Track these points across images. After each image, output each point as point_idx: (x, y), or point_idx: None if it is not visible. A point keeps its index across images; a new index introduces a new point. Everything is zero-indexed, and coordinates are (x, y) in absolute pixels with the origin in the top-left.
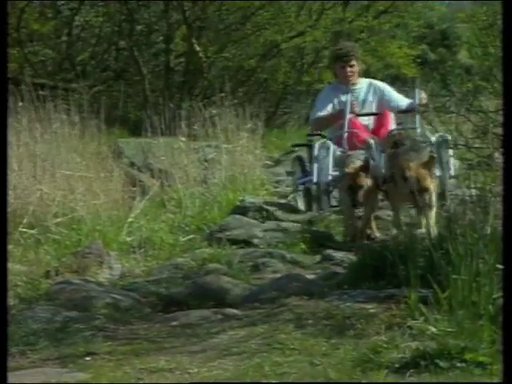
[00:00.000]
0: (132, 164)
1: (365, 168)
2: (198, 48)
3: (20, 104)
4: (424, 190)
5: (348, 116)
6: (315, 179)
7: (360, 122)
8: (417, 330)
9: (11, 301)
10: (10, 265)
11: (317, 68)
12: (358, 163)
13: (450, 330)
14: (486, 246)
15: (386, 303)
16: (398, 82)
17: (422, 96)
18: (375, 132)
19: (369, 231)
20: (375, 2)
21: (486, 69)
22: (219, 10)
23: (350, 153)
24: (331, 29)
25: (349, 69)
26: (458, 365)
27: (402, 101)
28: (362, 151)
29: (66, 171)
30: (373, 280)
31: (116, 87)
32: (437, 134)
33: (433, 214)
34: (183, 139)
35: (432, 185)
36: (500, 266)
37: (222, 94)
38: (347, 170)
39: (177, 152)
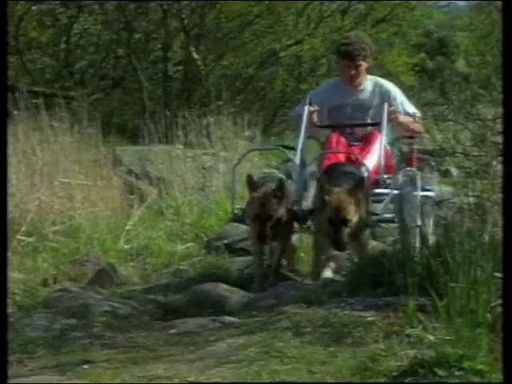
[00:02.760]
0: (130, 172)
1: (278, 192)
2: (196, 56)
3: (18, 112)
4: (344, 221)
5: (303, 130)
6: None
7: (342, 137)
8: (415, 338)
9: (9, 309)
10: (8, 273)
11: (315, 76)
12: (270, 186)
13: (448, 338)
14: (484, 253)
15: (384, 311)
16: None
17: (390, 109)
18: (362, 149)
19: (286, 269)
20: (373, 10)
21: (483, 77)
22: (217, 17)
23: (266, 171)
24: (329, 37)
25: (353, 71)
26: (456, 373)
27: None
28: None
29: (64, 179)
30: (371, 288)
31: (114, 95)
32: (403, 172)
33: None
34: (181, 147)
35: (357, 215)
36: (498, 274)
37: (220, 102)
38: (254, 194)
39: (175, 160)
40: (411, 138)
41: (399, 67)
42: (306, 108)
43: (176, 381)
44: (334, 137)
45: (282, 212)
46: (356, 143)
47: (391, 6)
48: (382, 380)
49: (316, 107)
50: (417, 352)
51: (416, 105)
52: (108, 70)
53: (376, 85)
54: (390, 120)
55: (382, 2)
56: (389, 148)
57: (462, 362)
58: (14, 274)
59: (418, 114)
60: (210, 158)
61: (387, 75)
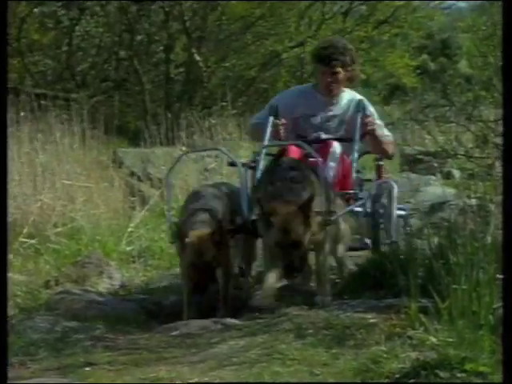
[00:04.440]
0: (132, 174)
1: (216, 236)
2: (198, 58)
3: (20, 114)
4: (295, 244)
5: (265, 142)
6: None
7: (299, 151)
8: (417, 340)
9: (11, 311)
10: (10, 274)
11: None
12: (205, 226)
13: (450, 339)
14: (487, 255)
15: (386, 313)
16: (398, 91)
17: (367, 120)
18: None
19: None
20: (375, 11)
21: (485, 78)
22: (219, 19)
23: (194, 205)
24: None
25: (329, 79)
26: (459, 375)
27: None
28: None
29: (66, 181)
30: (373, 290)
31: (116, 97)
32: (376, 184)
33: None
34: (183, 148)
35: (307, 237)
36: (500, 276)
37: (222, 104)
38: (187, 239)
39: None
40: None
41: (401, 69)
42: (271, 120)
43: (178, 382)
44: (293, 148)
45: (222, 255)
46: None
47: (393, 8)
48: (384, 382)
49: (283, 120)
50: (419, 354)
51: (418, 106)
52: (110, 71)
53: (352, 100)
54: (365, 133)
55: (383, 3)
56: (349, 162)
57: (464, 364)
58: (15, 276)
59: (391, 137)
60: (213, 160)
61: (389, 77)
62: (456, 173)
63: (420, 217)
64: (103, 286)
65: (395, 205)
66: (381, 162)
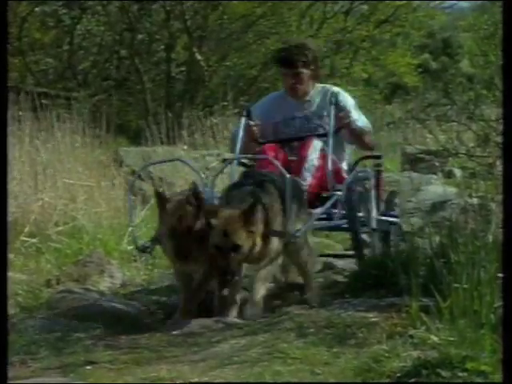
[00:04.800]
0: (133, 172)
1: (192, 198)
2: (199, 57)
3: (22, 113)
4: (233, 247)
5: (238, 146)
6: None
7: (281, 151)
8: (418, 339)
9: (12, 310)
10: (10, 273)
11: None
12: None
13: (451, 339)
14: (488, 254)
15: (388, 312)
16: (399, 90)
17: (340, 114)
18: (293, 170)
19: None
20: (376, 11)
21: (487, 77)
22: (221, 18)
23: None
24: (332, 38)
25: (292, 80)
26: (460, 374)
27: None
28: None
29: (68, 180)
30: (374, 289)
31: (117, 96)
32: (354, 172)
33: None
34: (185, 148)
35: (249, 241)
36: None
37: (224, 103)
38: (169, 204)
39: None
40: (376, 157)
41: (402, 68)
42: (243, 120)
43: (179, 382)
44: (271, 148)
45: (201, 223)
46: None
47: (394, 7)
48: (386, 381)
49: (257, 122)
50: (420, 353)
51: (419, 105)
52: (111, 70)
53: (326, 94)
54: (340, 127)
55: (384, 2)
56: (335, 158)
57: (466, 363)
58: (16, 275)
59: (369, 127)
60: (214, 159)
61: (390, 76)
62: (457, 172)
63: (421, 216)
64: (104, 285)
65: (373, 193)
66: (381, 168)
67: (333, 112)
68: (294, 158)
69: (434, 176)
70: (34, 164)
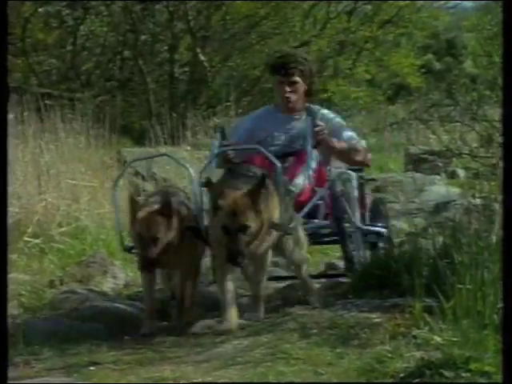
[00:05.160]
0: (136, 173)
1: (165, 211)
2: (202, 57)
3: (25, 114)
4: (241, 228)
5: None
6: None
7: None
8: (421, 340)
9: (15, 310)
10: (14, 274)
11: (321, 77)
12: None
13: (454, 339)
14: (491, 255)
15: (391, 312)
16: (403, 91)
17: (317, 129)
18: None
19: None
20: (380, 11)
21: (490, 78)
22: (224, 19)
23: (165, 185)
24: (336, 38)
25: (288, 88)
26: (463, 374)
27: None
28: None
29: (71, 180)
30: (377, 289)
31: (120, 97)
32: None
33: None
34: (188, 148)
35: (257, 221)
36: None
37: (227, 104)
38: (139, 213)
39: (181, 161)
40: (357, 170)
41: (405, 69)
42: (216, 143)
43: (182, 382)
44: (257, 157)
45: (171, 233)
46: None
47: (397, 8)
48: (389, 381)
49: (232, 141)
50: (423, 353)
51: (423, 106)
52: (114, 71)
53: (312, 113)
54: (318, 143)
55: (388, 2)
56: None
57: (469, 364)
58: (20, 276)
59: (363, 143)
60: None
61: (393, 77)
62: (461, 172)
63: (424, 216)
64: (107, 285)
65: (356, 193)
66: (362, 181)
67: (311, 123)
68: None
69: (438, 176)
70: (38, 165)
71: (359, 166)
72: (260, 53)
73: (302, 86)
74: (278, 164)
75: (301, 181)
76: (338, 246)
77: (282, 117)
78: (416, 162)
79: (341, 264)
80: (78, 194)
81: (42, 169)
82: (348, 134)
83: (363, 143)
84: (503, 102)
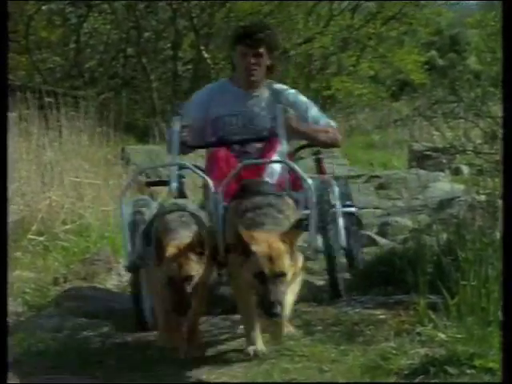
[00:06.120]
0: (140, 172)
1: (197, 244)
2: (205, 55)
3: (29, 111)
4: (279, 274)
5: (176, 151)
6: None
7: (231, 156)
8: (426, 337)
9: (20, 308)
10: (18, 272)
11: (325, 74)
12: (186, 236)
13: (459, 336)
14: (496, 251)
15: (395, 309)
16: (406, 87)
17: (288, 117)
18: (253, 170)
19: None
20: (383, 8)
21: (494, 74)
22: (227, 16)
23: (173, 201)
24: (339, 35)
25: (252, 60)
26: (468, 371)
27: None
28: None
29: (75, 178)
30: (381, 286)
31: (124, 94)
32: (316, 177)
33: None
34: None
35: (292, 269)
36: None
37: None
38: (168, 249)
39: (185, 159)
40: (312, 146)
41: (409, 65)
42: (177, 121)
43: (187, 380)
44: (221, 155)
45: (203, 269)
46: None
47: (401, 4)
48: (393, 378)
49: (189, 122)
50: (428, 350)
51: (426, 102)
52: (117, 69)
53: (274, 92)
54: (292, 132)
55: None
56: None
57: (474, 360)
58: (24, 273)
59: (332, 123)
60: None
61: (397, 73)
62: (465, 169)
63: (428, 213)
64: (112, 283)
65: (339, 205)
66: (320, 156)
67: (280, 112)
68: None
69: (442, 173)
70: (42, 162)
71: (330, 147)
72: None
73: (266, 60)
74: (309, 181)
75: (276, 172)
76: None
77: (240, 93)
78: (420, 159)
79: (344, 260)
80: (81, 191)
81: (45, 166)
82: (315, 113)
83: (332, 123)
84: (503, 98)
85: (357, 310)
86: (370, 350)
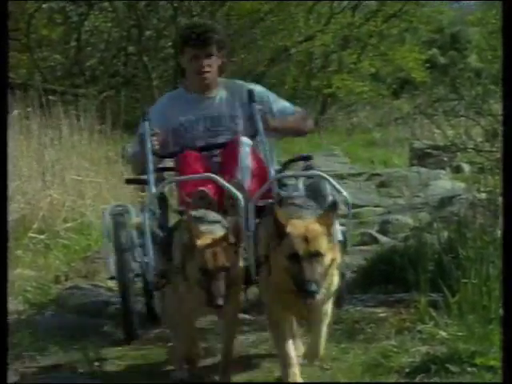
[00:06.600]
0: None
1: (234, 236)
2: None
3: (29, 109)
4: (315, 254)
5: (149, 157)
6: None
7: (200, 156)
8: (427, 335)
9: (21, 306)
10: (19, 270)
11: (326, 72)
12: (219, 230)
13: (460, 334)
14: (496, 249)
15: (396, 307)
16: (407, 85)
17: (265, 117)
18: (223, 171)
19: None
20: (384, 6)
21: (495, 72)
22: (228, 15)
23: (194, 213)
24: (340, 33)
25: (205, 61)
26: (469, 369)
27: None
28: (214, 214)
29: (76, 176)
30: (382, 284)
31: (125, 92)
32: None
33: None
34: None
35: (331, 253)
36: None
37: None
38: (199, 241)
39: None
40: (306, 158)
41: (410, 63)
42: (146, 125)
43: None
44: (190, 156)
45: (238, 267)
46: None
47: (402, 2)
48: (394, 377)
49: (156, 130)
50: (429, 348)
51: (427, 100)
52: (118, 67)
53: (232, 89)
54: (272, 131)
55: None
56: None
57: (475, 358)
58: (25, 271)
59: (300, 110)
60: None
61: (398, 71)
62: (465, 167)
63: (429, 211)
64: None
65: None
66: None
67: (257, 112)
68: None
69: (443, 171)
70: (42, 161)
71: (303, 134)
72: (264, 48)
73: (217, 60)
74: (345, 194)
75: (246, 176)
76: None
77: (195, 98)
78: (421, 157)
79: (346, 259)
80: (82, 189)
81: (46, 165)
82: (280, 103)
83: (298, 108)
84: (503, 96)
85: (358, 308)
86: (371, 348)
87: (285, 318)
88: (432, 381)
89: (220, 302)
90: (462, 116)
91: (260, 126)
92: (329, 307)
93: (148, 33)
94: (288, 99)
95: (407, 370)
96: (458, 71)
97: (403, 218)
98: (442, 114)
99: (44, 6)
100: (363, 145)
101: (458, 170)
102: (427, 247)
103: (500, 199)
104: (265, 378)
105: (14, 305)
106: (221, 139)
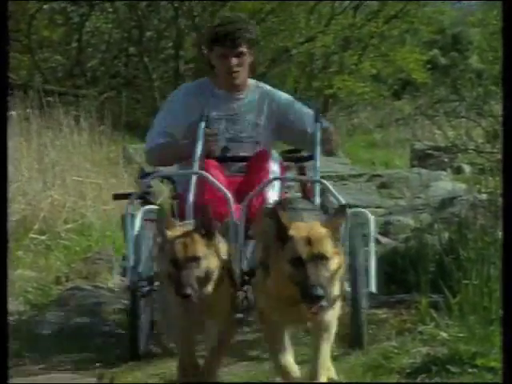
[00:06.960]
0: (141, 170)
1: (206, 232)
2: None
3: (30, 110)
4: (319, 257)
5: (197, 160)
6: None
7: (222, 169)
8: (427, 336)
9: (22, 307)
10: (20, 271)
11: (327, 73)
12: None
13: (460, 335)
14: (497, 250)
15: (397, 308)
16: (408, 86)
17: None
18: (247, 182)
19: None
20: (385, 6)
21: (496, 73)
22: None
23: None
24: (341, 34)
25: (234, 60)
26: (470, 370)
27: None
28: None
29: (77, 177)
30: (383, 285)
31: (125, 93)
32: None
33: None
34: None
35: (337, 257)
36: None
37: None
38: (168, 233)
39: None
40: (307, 159)
41: (411, 64)
42: (203, 125)
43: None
44: (208, 163)
45: (214, 260)
46: (237, 174)
47: (403, 3)
48: (395, 377)
49: (214, 130)
50: (430, 349)
51: (428, 101)
52: (119, 68)
53: (264, 94)
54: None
55: None
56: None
57: (475, 359)
58: (26, 272)
59: (330, 125)
60: None
61: (399, 72)
62: (466, 168)
63: (430, 212)
64: (114, 281)
65: (373, 244)
66: (304, 172)
67: (319, 131)
68: (237, 174)
69: (443, 172)
70: (43, 162)
71: (333, 153)
72: (265, 49)
73: (248, 59)
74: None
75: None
76: None
77: (222, 95)
78: (422, 158)
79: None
80: (83, 190)
81: (47, 166)
82: (311, 118)
83: (329, 123)
84: (504, 96)
85: None
86: (372, 348)
87: (282, 328)
88: (433, 381)
89: (188, 290)
90: (462, 117)
91: (318, 150)
92: (333, 317)
93: (149, 34)
94: None
95: (408, 371)
96: (459, 72)
97: (404, 219)
98: (442, 114)
99: (45, 6)
100: (364, 146)
101: (458, 171)
102: (428, 248)
103: (500, 200)
104: (264, 378)
105: (14, 305)
106: (242, 149)
